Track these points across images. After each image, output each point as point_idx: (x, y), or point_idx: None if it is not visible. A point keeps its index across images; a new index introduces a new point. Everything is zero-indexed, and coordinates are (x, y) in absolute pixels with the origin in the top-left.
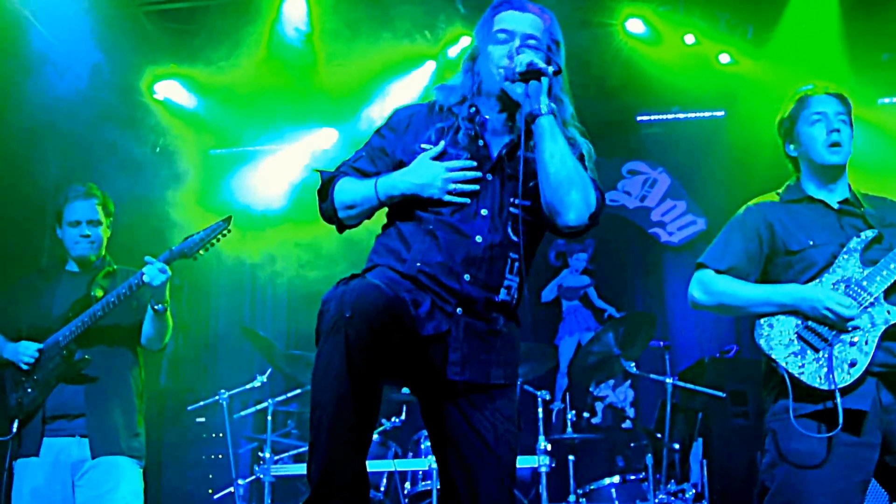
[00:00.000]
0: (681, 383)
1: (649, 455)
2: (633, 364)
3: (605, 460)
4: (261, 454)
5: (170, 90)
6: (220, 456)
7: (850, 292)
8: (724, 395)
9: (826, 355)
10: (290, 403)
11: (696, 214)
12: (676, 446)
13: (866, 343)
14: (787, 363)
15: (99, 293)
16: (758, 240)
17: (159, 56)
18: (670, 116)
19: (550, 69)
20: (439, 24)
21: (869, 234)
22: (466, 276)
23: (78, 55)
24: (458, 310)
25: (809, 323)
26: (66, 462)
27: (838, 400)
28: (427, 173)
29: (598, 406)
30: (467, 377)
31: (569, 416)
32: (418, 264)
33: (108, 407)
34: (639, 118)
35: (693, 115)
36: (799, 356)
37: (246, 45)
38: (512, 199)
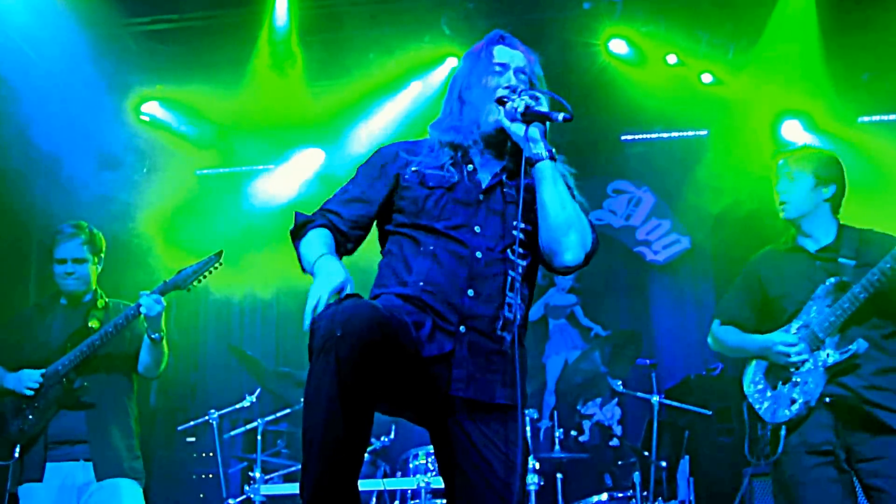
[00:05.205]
0: (667, 401)
1: (637, 473)
2: (620, 382)
3: (593, 478)
4: (251, 474)
5: (156, 111)
6: (211, 475)
7: (804, 338)
8: (710, 412)
9: (776, 394)
10: (279, 423)
11: (680, 233)
12: (664, 464)
13: (807, 383)
14: (753, 398)
15: (95, 324)
16: (752, 290)
17: (145, 77)
18: (654, 136)
19: (561, 116)
20: (424, 46)
21: (831, 281)
22: (470, 292)
23: (62, 77)
24: (462, 327)
25: (769, 364)
26: (73, 485)
27: (782, 433)
28: (334, 277)
29: (586, 424)
30: (471, 394)
31: (556, 435)
32: (421, 283)
33: (109, 431)
34: (623, 137)
35: (676, 134)
36: (761, 393)
37: (233, 64)
38: (513, 223)
